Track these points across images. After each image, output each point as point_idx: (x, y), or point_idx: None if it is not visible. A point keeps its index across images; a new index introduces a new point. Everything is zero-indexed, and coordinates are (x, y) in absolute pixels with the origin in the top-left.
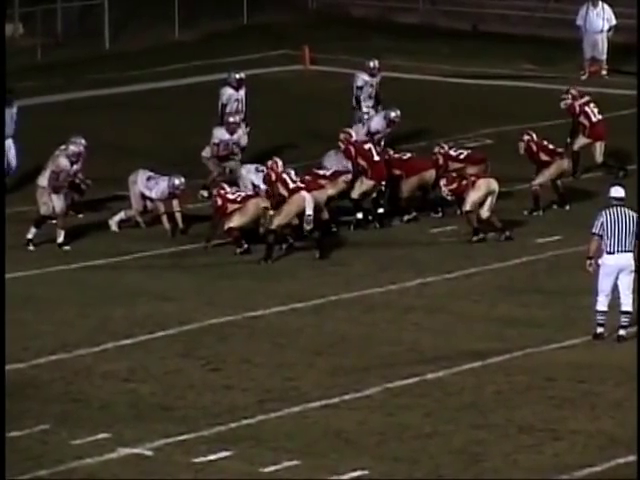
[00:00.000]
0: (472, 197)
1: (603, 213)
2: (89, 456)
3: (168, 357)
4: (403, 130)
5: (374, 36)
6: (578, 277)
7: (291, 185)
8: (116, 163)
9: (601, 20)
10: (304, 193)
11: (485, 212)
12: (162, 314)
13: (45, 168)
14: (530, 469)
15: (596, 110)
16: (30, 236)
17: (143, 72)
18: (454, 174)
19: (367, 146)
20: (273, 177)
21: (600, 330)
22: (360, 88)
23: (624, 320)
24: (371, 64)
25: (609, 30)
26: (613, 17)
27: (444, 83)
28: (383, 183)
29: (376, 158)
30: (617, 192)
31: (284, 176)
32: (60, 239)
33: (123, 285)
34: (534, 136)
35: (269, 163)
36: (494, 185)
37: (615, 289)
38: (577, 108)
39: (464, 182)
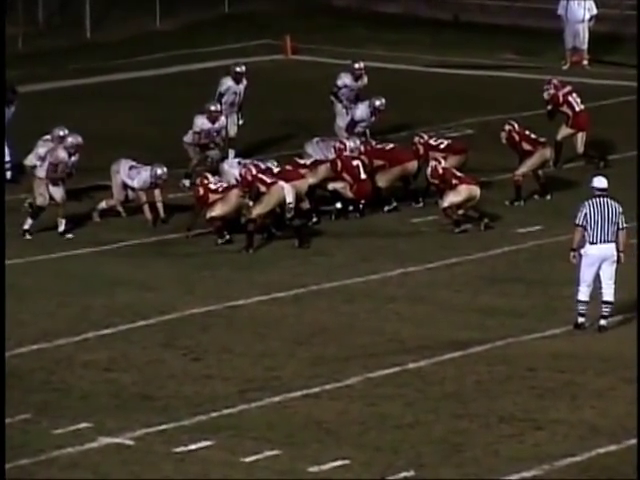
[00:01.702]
0: (451, 198)
1: (586, 204)
2: (70, 445)
3: (149, 347)
4: (385, 120)
5: (355, 26)
6: (559, 267)
7: (269, 181)
8: (98, 152)
9: (582, 10)
10: (282, 183)
11: (460, 211)
12: (143, 303)
13: (42, 158)
14: (511, 459)
15: (579, 100)
16: (27, 227)
17: (124, 62)
18: (441, 170)
19: (356, 162)
20: (250, 178)
21: (581, 320)
22: (339, 88)
23: (605, 310)
24: (356, 65)
25: (590, 20)
26: (594, 6)
27: (425, 73)
28: (363, 201)
29: (362, 176)
30: (600, 182)
31: (260, 176)
32: (61, 227)
33: (104, 274)
34: (516, 126)
35: (243, 171)
36: (476, 192)
37: (597, 279)
38: (560, 98)
39: (444, 184)
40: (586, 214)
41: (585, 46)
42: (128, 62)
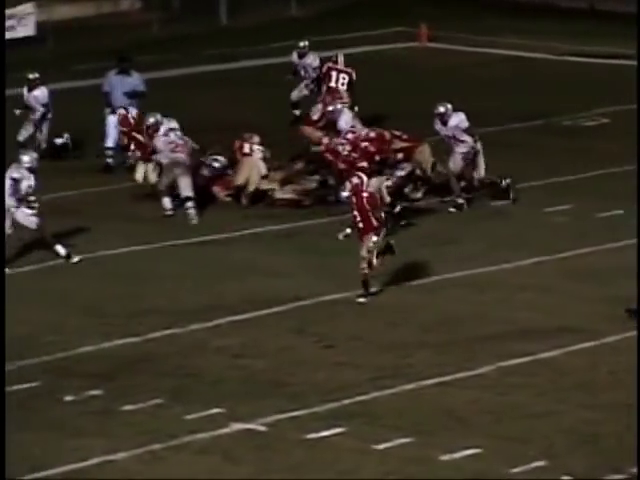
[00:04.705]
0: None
1: None
2: (202, 431)
3: (280, 333)
4: (518, 107)
5: (491, 14)
6: None
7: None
8: (227, 140)
9: None
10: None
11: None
12: (273, 290)
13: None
14: None
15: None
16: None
17: (258, 48)
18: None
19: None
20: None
21: None
22: (295, 66)
23: None
24: (301, 44)
25: None
26: None
27: (558, 62)
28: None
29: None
30: None
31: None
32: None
33: (234, 261)
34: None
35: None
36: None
37: None
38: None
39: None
40: None
41: None
42: (261, 49)
